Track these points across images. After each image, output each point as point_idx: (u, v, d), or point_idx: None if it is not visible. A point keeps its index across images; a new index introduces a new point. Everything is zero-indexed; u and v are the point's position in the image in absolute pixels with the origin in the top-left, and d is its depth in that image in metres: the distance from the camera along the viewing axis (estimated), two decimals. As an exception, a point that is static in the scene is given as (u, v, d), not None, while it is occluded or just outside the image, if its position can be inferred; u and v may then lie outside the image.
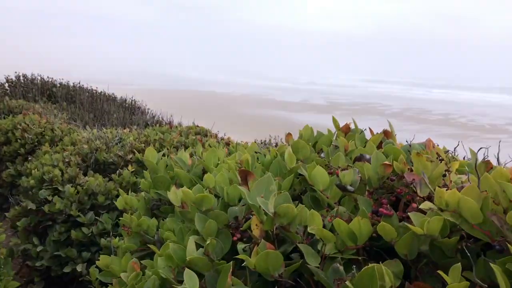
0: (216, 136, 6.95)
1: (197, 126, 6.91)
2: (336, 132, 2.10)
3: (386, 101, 33.89)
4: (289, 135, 2.00)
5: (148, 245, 1.80)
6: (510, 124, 19.40)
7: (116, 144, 5.45)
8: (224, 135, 7.18)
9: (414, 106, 29.55)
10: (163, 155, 3.15)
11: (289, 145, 1.92)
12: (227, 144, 6.09)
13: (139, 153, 4.82)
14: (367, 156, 1.50)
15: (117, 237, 2.32)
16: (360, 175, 1.40)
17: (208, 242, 1.38)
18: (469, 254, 1.06)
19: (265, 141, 10.65)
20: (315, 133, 2.14)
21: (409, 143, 2.00)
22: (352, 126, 2.11)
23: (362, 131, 2.06)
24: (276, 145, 10.73)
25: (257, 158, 2.14)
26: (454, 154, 2.00)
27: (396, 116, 26.21)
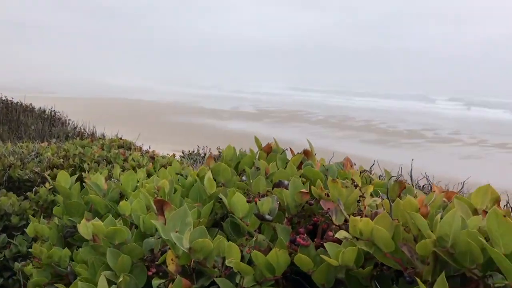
0: (140, 149, 6.74)
1: (121, 138, 6.66)
2: (259, 152, 2.09)
3: (312, 108, 34.98)
4: (209, 158, 1.95)
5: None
6: (425, 129, 20.79)
7: (33, 159, 5.11)
8: (149, 147, 6.98)
9: (337, 113, 30.77)
10: (82, 173, 2.96)
11: (209, 168, 1.87)
12: (152, 158, 5.92)
13: (57, 169, 4.55)
14: (286, 182, 1.50)
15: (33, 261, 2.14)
16: (278, 201, 1.39)
17: (120, 279, 1.30)
18: (381, 284, 1.08)
19: (193, 151, 10.53)
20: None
21: (329, 162, 2.03)
22: (296, 141, 2.12)
23: (283, 151, 2.07)
24: (204, 156, 10.64)
25: (178, 179, 2.07)
26: (371, 173, 2.07)
27: (321, 123, 27.13)
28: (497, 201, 1.28)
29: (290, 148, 2.05)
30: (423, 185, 8.14)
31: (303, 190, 1.35)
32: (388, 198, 1.28)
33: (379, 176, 2.15)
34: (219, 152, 10.74)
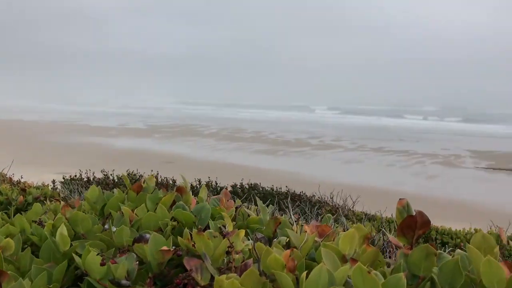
0: (10, 180, 6.04)
1: (-16, 169, 5.90)
2: (128, 192, 1.89)
3: (204, 122, 34.95)
4: (65, 206, 1.71)
5: None
6: (311, 138, 21.86)
7: None
8: (21, 177, 6.28)
9: (229, 126, 31.11)
10: None
11: (66, 217, 1.64)
12: (23, 190, 5.31)
13: None
14: (147, 236, 1.33)
15: None
16: (138, 261, 1.22)
17: None
18: None
19: (75, 176, 9.77)
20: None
21: (208, 200, 1.92)
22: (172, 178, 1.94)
23: (155, 189, 1.90)
24: (88, 180, 9.93)
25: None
26: (248, 207, 1.99)
27: (213, 136, 27.18)
28: (366, 238, 1.25)
29: (163, 187, 1.89)
30: (312, 196, 8.43)
31: (164, 248, 1.20)
32: (255, 254, 1.18)
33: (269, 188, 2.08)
34: (104, 175, 10.12)
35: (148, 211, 1.72)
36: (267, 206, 3.10)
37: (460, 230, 6.76)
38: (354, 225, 1.46)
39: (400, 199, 1.24)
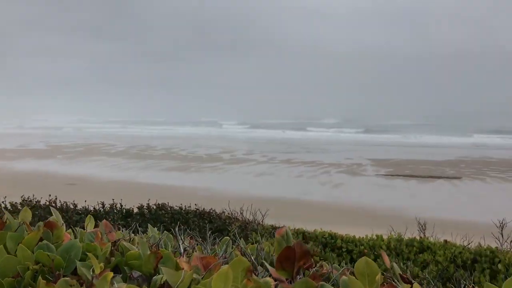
0: None
1: None
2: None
3: (110, 140, 33.47)
4: None
5: None
6: (222, 152, 21.85)
7: None
8: None
9: (137, 144, 30.10)
10: None
11: None
12: None
13: None
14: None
15: None
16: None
17: None
18: None
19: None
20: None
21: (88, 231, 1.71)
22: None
23: (20, 225, 1.65)
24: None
25: None
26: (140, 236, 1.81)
27: (122, 154, 26.06)
28: (248, 272, 1.15)
29: (26, 223, 1.65)
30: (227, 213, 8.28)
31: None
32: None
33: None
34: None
35: (8, 253, 1.48)
36: (177, 226, 2.91)
37: (363, 237, 7.03)
38: (237, 256, 1.37)
39: (279, 228, 1.16)
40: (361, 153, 19.04)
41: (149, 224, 2.29)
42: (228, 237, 2.22)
